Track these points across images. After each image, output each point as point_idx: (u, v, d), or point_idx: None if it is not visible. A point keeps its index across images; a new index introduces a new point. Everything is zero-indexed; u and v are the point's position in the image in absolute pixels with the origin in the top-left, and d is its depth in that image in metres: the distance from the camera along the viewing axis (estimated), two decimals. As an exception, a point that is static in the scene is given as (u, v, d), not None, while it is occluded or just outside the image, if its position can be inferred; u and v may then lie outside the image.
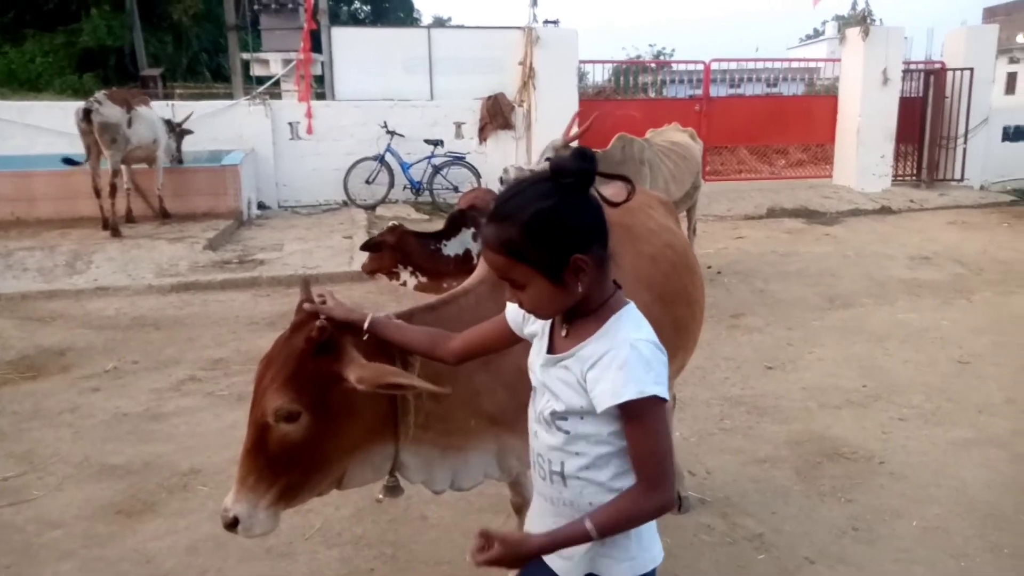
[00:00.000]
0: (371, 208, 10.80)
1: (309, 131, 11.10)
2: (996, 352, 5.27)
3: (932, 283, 7.08)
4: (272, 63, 14.29)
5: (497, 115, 11.50)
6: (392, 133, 10.99)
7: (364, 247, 4.65)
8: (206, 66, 26.92)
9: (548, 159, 5.97)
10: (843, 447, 3.91)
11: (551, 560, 1.60)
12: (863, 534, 3.17)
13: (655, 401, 1.43)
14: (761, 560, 3.01)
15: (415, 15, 29.22)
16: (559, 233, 1.43)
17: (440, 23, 28.00)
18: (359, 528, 3.18)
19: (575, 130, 6.23)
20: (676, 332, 2.63)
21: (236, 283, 7.10)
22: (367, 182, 10.96)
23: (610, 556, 1.56)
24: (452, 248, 4.54)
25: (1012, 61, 30.10)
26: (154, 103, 9.56)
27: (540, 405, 1.59)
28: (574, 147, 1.45)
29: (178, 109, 10.38)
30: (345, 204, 11.05)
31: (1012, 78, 30.55)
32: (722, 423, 4.24)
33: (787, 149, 13.75)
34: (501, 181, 5.97)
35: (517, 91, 11.55)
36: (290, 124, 11.07)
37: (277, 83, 13.45)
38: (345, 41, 11.71)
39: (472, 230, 4.64)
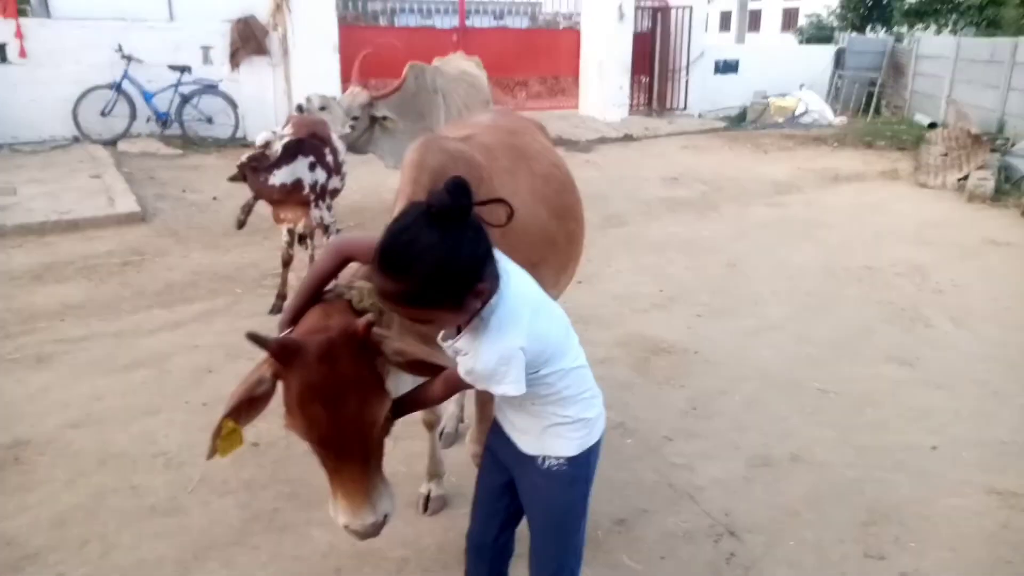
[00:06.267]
0: (111, 144, 9.57)
1: (22, 54, 9.46)
2: (751, 254, 6.21)
3: (686, 200, 8.04)
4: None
5: (250, 39, 10.64)
6: (129, 58, 9.74)
7: (231, 180, 4.41)
8: None
9: (350, 124, 5.80)
10: (662, 343, 4.45)
11: (511, 434, 1.83)
12: (701, 412, 3.70)
13: None
14: (630, 444, 3.40)
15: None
16: (458, 274, 1.48)
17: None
18: (245, 473, 3.04)
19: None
20: (569, 244, 2.84)
21: (-27, 235, 6.04)
22: (103, 114, 9.68)
23: (560, 436, 1.76)
24: (280, 177, 4.28)
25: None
26: None
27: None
28: (448, 182, 1.47)
29: None
30: (76, 139, 9.68)
31: (726, 17, 34.04)
32: (556, 334, 4.57)
33: (527, 81, 14.41)
34: (300, 109, 5.67)
35: (270, 14, 10.77)
36: (-5, 46, 9.35)
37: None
38: (57, -53, 10.01)
39: (311, 159, 4.40)
